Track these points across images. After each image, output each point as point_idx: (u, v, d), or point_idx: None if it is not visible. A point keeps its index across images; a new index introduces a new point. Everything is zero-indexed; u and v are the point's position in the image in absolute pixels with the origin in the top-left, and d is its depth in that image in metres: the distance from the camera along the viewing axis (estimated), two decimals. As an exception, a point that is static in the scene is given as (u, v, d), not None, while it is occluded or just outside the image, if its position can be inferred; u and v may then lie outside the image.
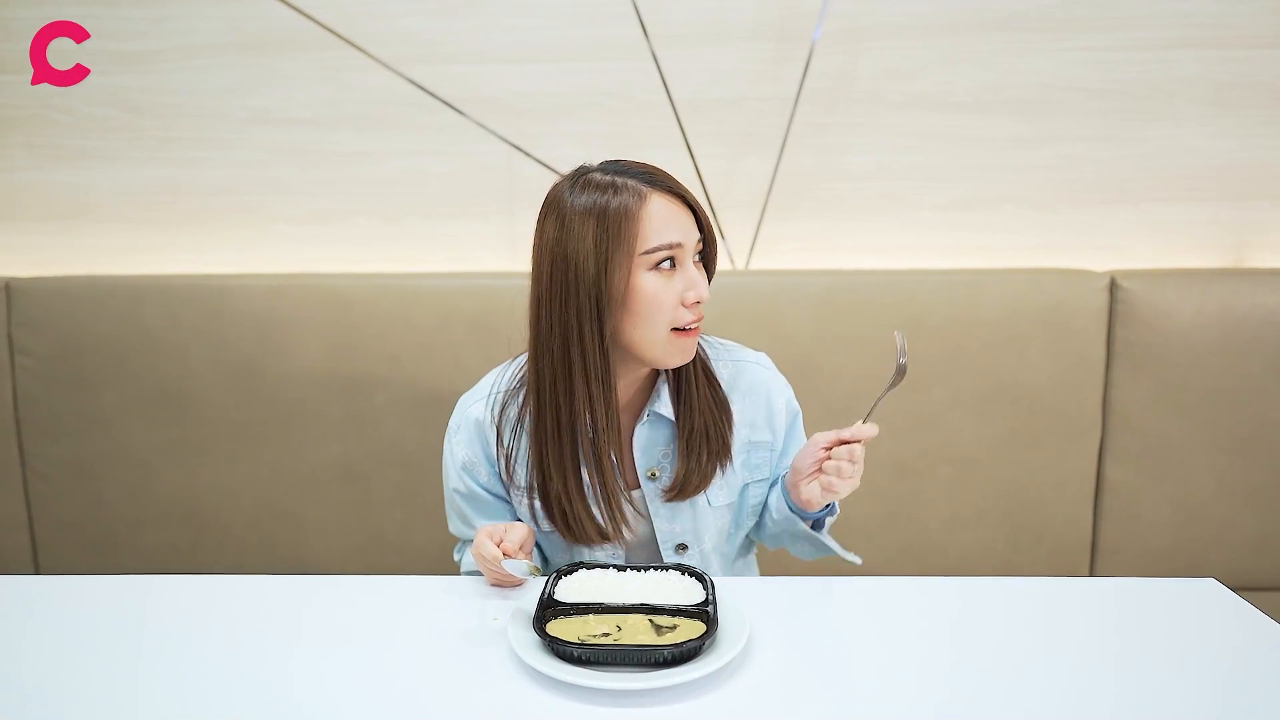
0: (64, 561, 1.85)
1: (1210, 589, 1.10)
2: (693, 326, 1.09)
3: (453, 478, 1.23)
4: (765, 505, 1.26)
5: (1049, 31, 1.73)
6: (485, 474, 1.21)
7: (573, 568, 1.05)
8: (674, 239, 1.06)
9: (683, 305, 1.08)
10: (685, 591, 1.01)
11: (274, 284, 1.76)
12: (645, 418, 1.18)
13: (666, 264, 1.06)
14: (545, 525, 1.19)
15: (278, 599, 1.08)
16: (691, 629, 0.94)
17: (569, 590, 1.01)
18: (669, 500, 1.19)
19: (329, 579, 1.13)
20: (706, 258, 1.13)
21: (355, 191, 1.85)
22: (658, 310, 1.07)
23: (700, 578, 1.03)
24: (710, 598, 0.98)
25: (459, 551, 1.33)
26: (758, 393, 1.23)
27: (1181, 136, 1.78)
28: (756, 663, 0.93)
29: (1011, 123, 1.78)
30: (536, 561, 1.25)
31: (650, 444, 1.19)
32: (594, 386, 1.09)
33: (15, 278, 1.78)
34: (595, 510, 1.15)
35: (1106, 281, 1.71)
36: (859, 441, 1.07)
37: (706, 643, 0.92)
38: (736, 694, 0.88)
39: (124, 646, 0.98)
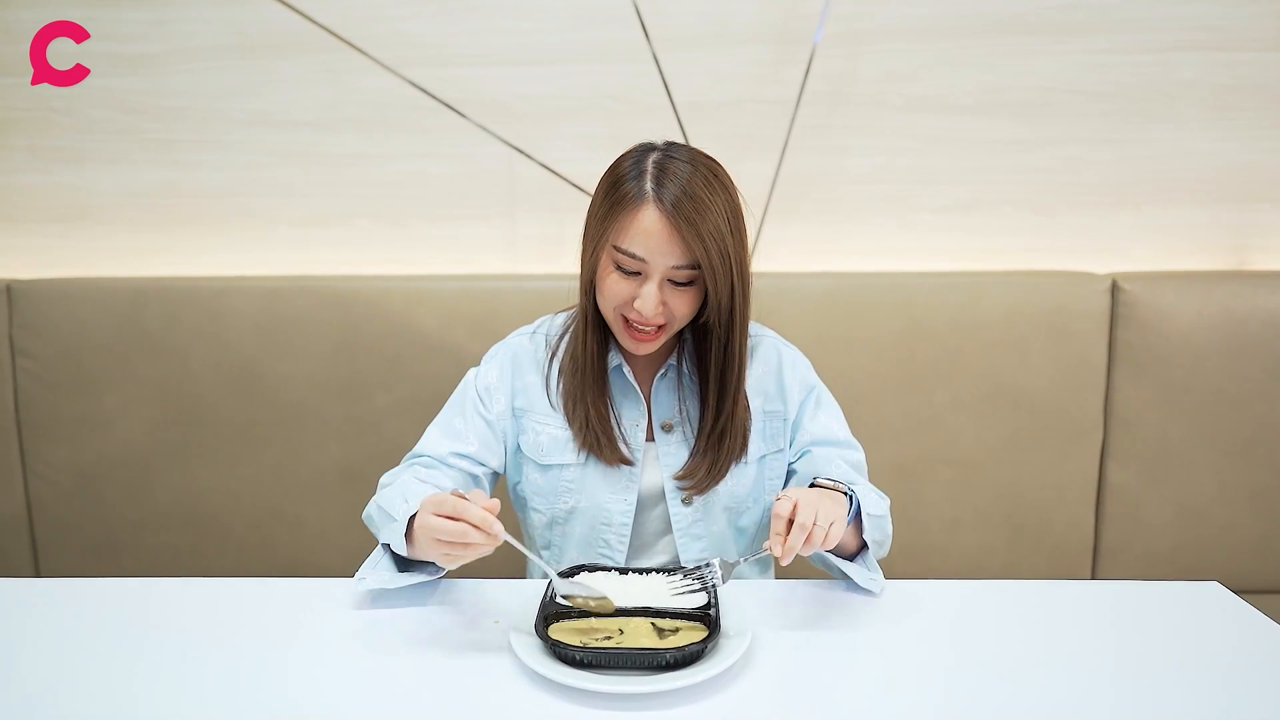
0: (64, 564, 1.85)
1: (1212, 591, 1.10)
2: (643, 328, 1.12)
3: (470, 392, 1.26)
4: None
5: (1049, 34, 1.74)
6: (501, 404, 1.24)
7: (575, 570, 1.05)
8: (639, 253, 1.08)
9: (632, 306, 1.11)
10: (688, 595, 1.01)
11: (275, 286, 1.76)
12: (664, 370, 1.22)
13: (627, 267, 1.10)
14: (571, 455, 1.21)
15: (278, 601, 1.08)
16: (694, 633, 0.94)
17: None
18: (685, 499, 1.21)
19: (330, 581, 1.13)
20: (709, 284, 1.09)
21: (356, 194, 1.85)
22: (610, 297, 1.12)
23: (702, 581, 1.03)
24: (712, 601, 0.98)
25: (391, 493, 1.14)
26: (770, 363, 1.26)
27: (1182, 139, 1.78)
28: (759, 666, 0.93)
29: (1012, 125, 1.78)
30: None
31: (667, 397, 1.22)
32: (578, 321, 1.19)
33: (16, 279, 1.78)
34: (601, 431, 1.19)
35: (1108, 284, 1.72)
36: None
37: (709, 646, 0.92)
38: (739, 697, 0.88)
39: (124, 649, 0.97)
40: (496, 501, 0.94)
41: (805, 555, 0.99)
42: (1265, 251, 1.83)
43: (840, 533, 0.99)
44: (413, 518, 1.01)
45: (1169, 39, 1.73)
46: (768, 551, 0.98)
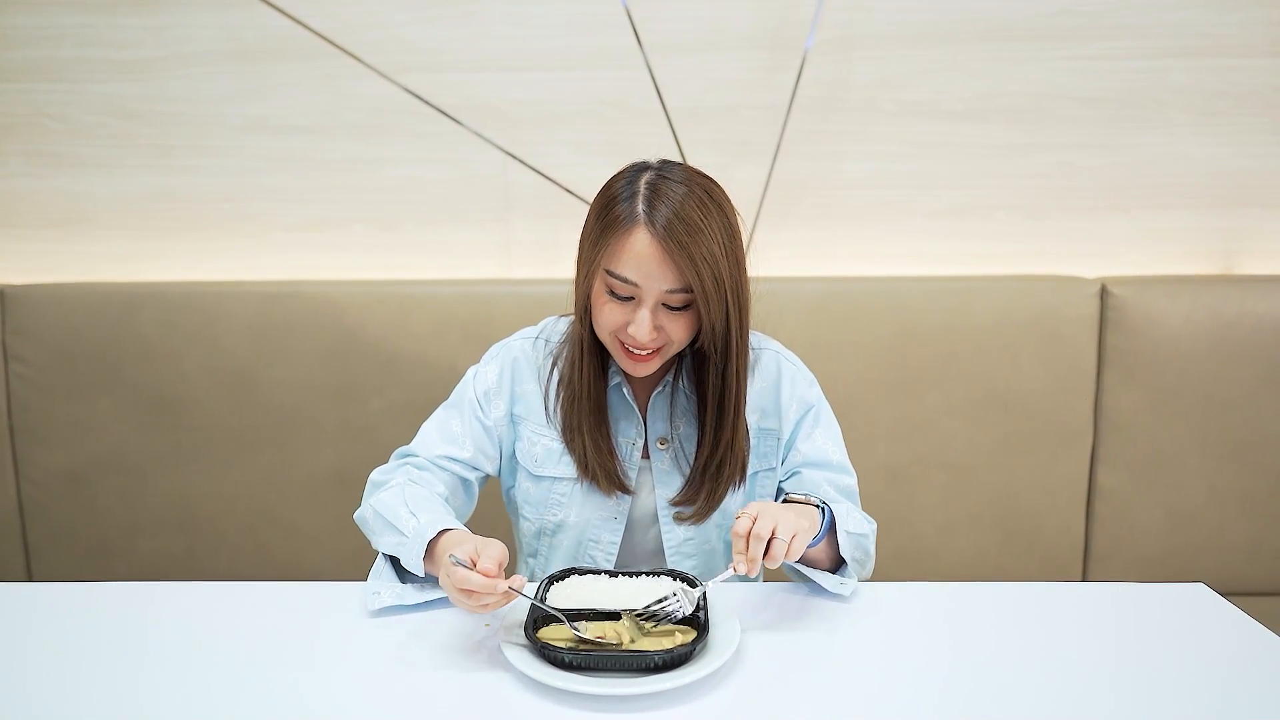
0: (57, 569, 1.85)
1: (1200, 594, 1.10)
2: (639, 352, 1.10)
3: (469, 393, 1.24)
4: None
5: (1041, 40, 1.75)
6: (500, 409, 1.23)
7: (564, 573, 1.05)
8: (631, 277, 1.05)
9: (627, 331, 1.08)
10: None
11: (270, 291, 1.76)
12: (661, 387, 1.20)
13: (620, 292, 1.08)
14: (565, 469, 1.20)
15: (272, 606, 1.08)
16: (683, 634, 0.95)
17: (560, 596, 1.01)
18: (680, 521, 1.20)
19: (323, 585, 1.13)
20: (702, 308, 1.07)
21: (351, 199, 1.86)
22: (604, 324, 1.10)
23: (692, 583, 1.03)
24: (702, 603, 0.99)
25: (394, 474, 1.18)
26: (768, 378, 1.23)
27: (1172, 144, 1.79)
28: (748, 668, 0.94)
29: (1004, 131, 1.79)
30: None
31: (663, 411, 1.20)
32: (574, 347, 1.17)
33: (10, 285, 1.78)
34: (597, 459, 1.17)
35: (1098, 288, 1.73)
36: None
37: (698, 648, 0.92)
38: (728, 699, 0.88)
39: (118, 654, 0.98)
40: (501, 564, 0.93)
41: (771, 567, 0.98)
42: (1254, 256, 1.85)
43: (803, 544, 0.98)
44: (432, 541, 1.02)
45: (1160, 45, 1.74)
46: (732, 573, 0.97)
